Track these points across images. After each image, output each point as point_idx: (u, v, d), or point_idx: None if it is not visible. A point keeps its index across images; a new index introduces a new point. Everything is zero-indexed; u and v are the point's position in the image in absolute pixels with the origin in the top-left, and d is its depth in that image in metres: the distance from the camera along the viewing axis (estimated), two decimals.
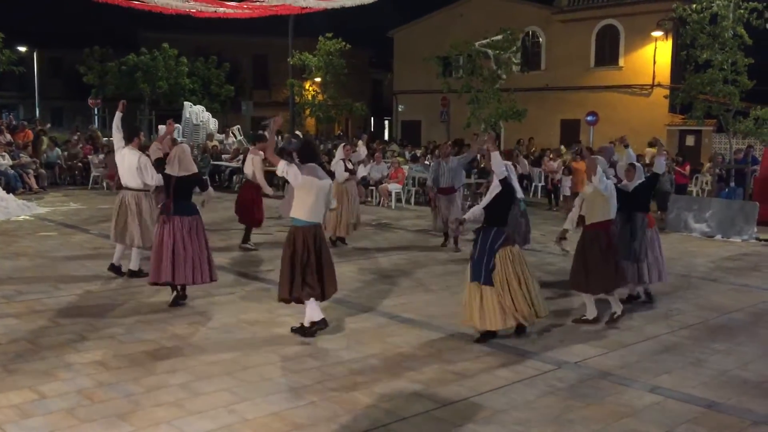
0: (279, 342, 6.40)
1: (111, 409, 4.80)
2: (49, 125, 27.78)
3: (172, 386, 5.24)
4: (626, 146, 8.73)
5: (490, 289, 6.47)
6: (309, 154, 6.63)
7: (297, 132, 25.95)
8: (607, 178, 7.41)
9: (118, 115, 8.80)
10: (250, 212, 10.96)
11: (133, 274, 8.74)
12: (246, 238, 10.96)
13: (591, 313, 7.34)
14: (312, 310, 6.51)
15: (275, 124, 6.92)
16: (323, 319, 6.56)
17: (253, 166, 10.91)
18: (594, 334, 6.96)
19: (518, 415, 4.94)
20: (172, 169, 7.37)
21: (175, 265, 7.23)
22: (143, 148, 8.99)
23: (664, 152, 9.26)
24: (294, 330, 6.60)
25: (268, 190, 11.37)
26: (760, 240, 13.39)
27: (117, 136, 8.78)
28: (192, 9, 10.33)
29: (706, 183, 19.10)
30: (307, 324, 6.54)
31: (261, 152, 10.62)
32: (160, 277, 7.30)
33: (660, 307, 8.14)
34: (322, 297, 6.54)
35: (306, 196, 6.39)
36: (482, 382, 5.55)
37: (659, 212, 16.40)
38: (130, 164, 8.64)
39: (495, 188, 6.76)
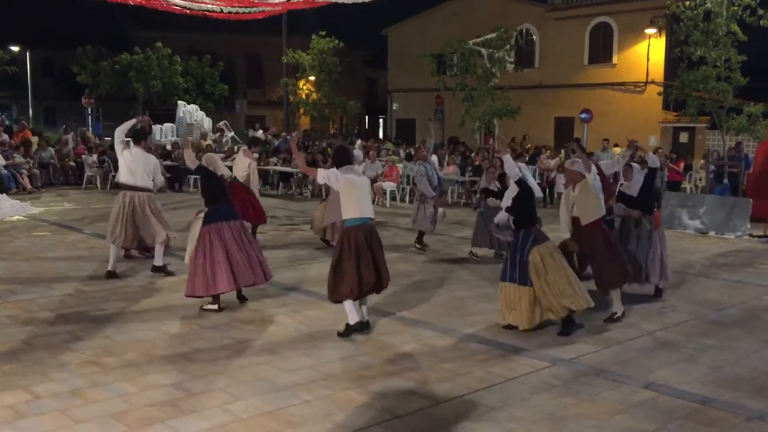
0: (273, 341, 6.40)
1: (105, 409, 4.78)
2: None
3: (166, 386, 5.23)
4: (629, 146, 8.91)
5: (527, 289, 6.67)
6: (344, 159, 6.80)
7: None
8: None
9: (131, 122, 9.03)
10: (245, 214, 10.85)
11: (157, 269, 8.88)
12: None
13: (618, 308, 7.38)
14: (349, 312, 6.56)
15: (294, 138, 6.99)
16: (359, 322, 6.62)
17: (249, 169, 10.83)
18: (588, 331, 6.98)
19: (513, 413, 4.94)
20: (220, 172, 7.37)
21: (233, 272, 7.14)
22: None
23: (659, 150, 9.33)
24: (339, 334, 6.60)
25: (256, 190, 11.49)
26: (754, 236, 13.45)
27: (122, 137, 8.90)
28: (210, 11, 10.19)
29: (700, 180, 19.15)
30: (351, 323, 6.59)
31: (255, 155, 10.66)
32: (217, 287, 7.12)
33: (654, 303, 8.18)
34: (359, 294, 6.54)
35: (350, 196, 6.56)
36: (477, 379, 5.56)
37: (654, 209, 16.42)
38: (146, 164, 8.81)
39: (512, 191, 6.83)
